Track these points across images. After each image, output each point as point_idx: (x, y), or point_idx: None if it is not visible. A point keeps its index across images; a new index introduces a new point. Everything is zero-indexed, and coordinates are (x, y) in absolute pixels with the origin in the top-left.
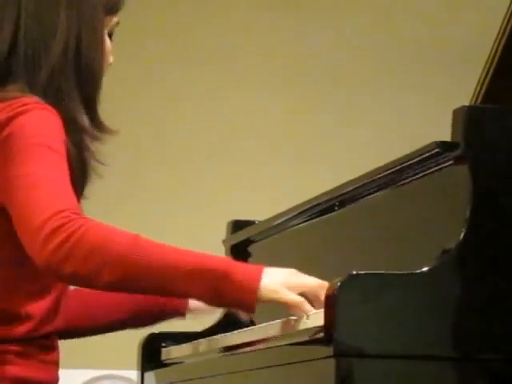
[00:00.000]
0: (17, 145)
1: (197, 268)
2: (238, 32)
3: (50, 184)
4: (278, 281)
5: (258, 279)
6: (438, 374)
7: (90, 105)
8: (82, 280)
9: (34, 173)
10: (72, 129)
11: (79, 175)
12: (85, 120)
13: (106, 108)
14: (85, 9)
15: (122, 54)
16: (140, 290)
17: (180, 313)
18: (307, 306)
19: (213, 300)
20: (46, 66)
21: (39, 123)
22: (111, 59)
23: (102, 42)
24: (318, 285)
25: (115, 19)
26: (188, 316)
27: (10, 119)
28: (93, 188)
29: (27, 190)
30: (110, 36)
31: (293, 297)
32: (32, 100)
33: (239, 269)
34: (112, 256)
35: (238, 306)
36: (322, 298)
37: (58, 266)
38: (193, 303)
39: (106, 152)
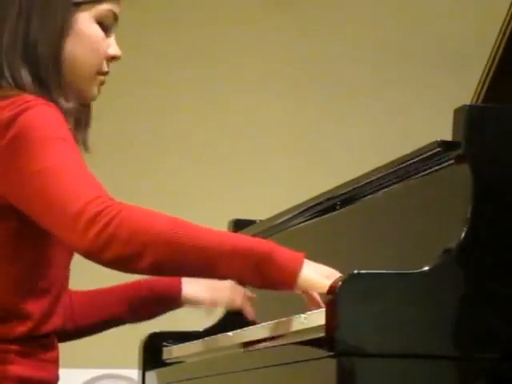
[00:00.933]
0: (28, 140)
1: (240, 248)
2: (240, 33)
3: (76, 172)
4: (318, 268)
5: (300, 261)
6: (439, 373)
7: (46, 91)
8: (126, 262)
9: (55, 164)
10: None
11: None
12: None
13: (108, 106)
14: None
15: (127, 51)
16: (182, 271)
17: (174, 297)
18: None
19: (255, 279)
20: (1, 55)
21: (45, 117)
22: (113, 51)
23: (57, 26)
24: None
25: (104, 7)
26: (186, 305)
27: (15, 116)
28: None
29: (53, 181)
30: (102, 25)
31: (328, 284)
32: (30, 97)
33: (282, 250)
34: (153, 237)
35: (279, 284)
36: None
37: (101, 250)
38: (189, 292)
39: (105, 150)
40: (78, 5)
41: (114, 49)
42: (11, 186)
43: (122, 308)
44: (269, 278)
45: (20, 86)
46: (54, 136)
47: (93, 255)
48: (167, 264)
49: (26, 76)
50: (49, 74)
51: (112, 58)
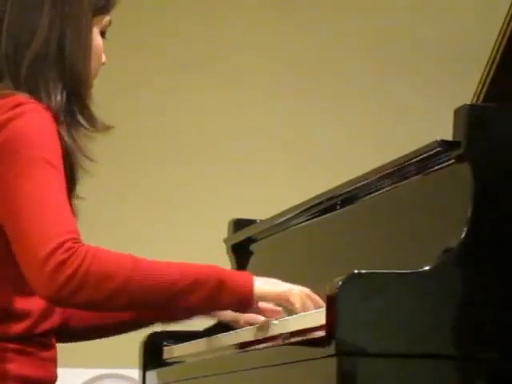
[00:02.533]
0: (16, 155)
1: (196, 278)
2: (239, 32)
3: (49, 208)
4: (267, 281)
5: (251, 280)
6: (439, 372)
7: (78, 103)
8: (95, 308)
9: (33, 193)
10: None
11: (66, 172)
12: (64, 116)
13: (104, 106)
14: (70, 9)
15: (120, 54)
16: (148, 307)
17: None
18: (295, 297)
19: (213, 307)
20: (25, 63)
21: (37, 130)
22: (104, 58)
23: (88, 42)
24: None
25: (107, 18)
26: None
27: (6, 122)
28: (94, 186)
29: (28, 214)
30: (102, 35)
31: (283, 289)
32: (25, 99)
33: (233, 274)
34: (119, 282)
35: (237, 305)
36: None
37: (68, 298)
38: None
39: (106, 150)
40: (93, 17)
41: (104, 56)
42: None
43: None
44: (228, 300)
45: (44, 98)
46: (40, 157)
47: (59, 302)
48: (133, 305)
49: (57, 88)
50: (80, 87)
51: (102, 65)
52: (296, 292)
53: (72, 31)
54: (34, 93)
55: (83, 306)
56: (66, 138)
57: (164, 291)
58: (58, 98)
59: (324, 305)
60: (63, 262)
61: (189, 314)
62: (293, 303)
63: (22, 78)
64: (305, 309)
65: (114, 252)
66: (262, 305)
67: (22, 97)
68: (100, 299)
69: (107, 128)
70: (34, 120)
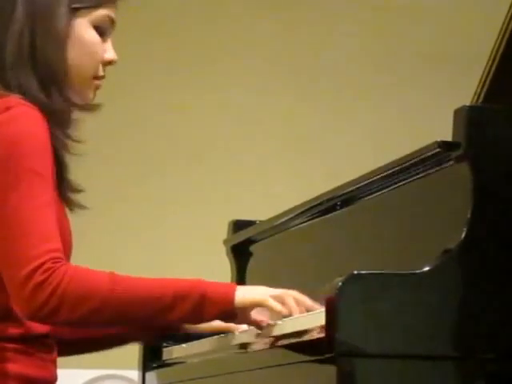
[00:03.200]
0: (5, 166)
1: (177, 294)
2: (240, 33)
3: (33, 225)
4: (250, 288)
5: (232, 290)
6: (439, 373)
7: (55, 89)
8: (75, 326)
9: (18, 208)
10: None
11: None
12: (48, 105)
13: (106, 108)
14: (41, 3)
15: (122, 55)
16: (130, 323)
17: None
18: (271, 302)
19: (196, 319)
20: (7, 60)
21: (27, 137)
22: (109, 55)
23: (61, 34)
24: (283, 292)
25: (101, 12)
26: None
27: None
28: (96, 185)
29: (12, 231)
30: (98, 30)
31: (262, 296)
32: (15, 101)
33: (214, 286)
34: (98, 301)
35: (221, 317)
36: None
37: (47, 318)
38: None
39: (106, 150)
40: (75, 10)
41: (110, 53)
42: None
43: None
44: (211, 312)
45: (25, 94)
46: (29, 167)
47: (39, 320)
48: (114, 322)
49: (33, 84)
50: (55, 81)
51: (108, 63)
52: (275, 296)
53: (42, 24)
54: (19, 87)
55: (63, 324)
56: (53, 126)
57: (145, 308)
58: (38, 93)
59: (315, 305)
60: (41, 283)
61: (174, 326)
62: (271, 308)
63: (8, 79)
64: (290, 311)
65: (94, 270)
66: (253, 314)
67: (13, 99)
68: (78, 318)
69: (92, 107)
70: (24, 126)
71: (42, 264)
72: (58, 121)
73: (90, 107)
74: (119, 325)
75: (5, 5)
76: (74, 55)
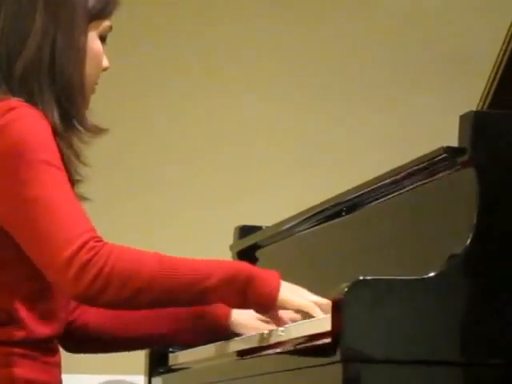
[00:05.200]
0: (18, 162)
1: (224, 277)
2: (248, 37)
3: (63, 210)
4: (290, 287)
5: (277, 286)
6: (445, 379)
7: (70, 107)
8: (122, 306)
9: (43, 197)
10: None
11: None
12: (58, 122)
13: (110, 112)
14: (62, 14)
15: (123, 58)
16: (174, 305)
17: (222, 325)
18: (316, 309)
19: (238, 303)
20: (18, 69)
21: (33, 133)
22: (105, 63)
23: (81, 47)
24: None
25: (106, 23)
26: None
27: (1, 128)
28: (100, 188)
29: (42, 220)
30: (102, 40)
31: (304, 302)
32: (18, 103)
33: (261, 275)
34: (145, 281)
35: (258, 308)
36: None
37: (95, 299)
38: (236, 319)
39: (116, 155)
40: (89, 23)
41: (106, 61)
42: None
43: (167, 331)
44: (252, 301)
45: (39, 103)
46: (40, 160)
47: (86, 301)
48: (159, 302)
49: (49, 96)
50: (74, 96)
51: (103, 70)
52: (318, 304)
53: (64, 36)
54: (30, 100)
55: (110, 304)
56: (63, 145)
57: (190, 288)
58: (53, 105)
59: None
60: (87, 262)
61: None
62: (314, 315)
63: (17, 85)
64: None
65: (139, 250)
66: (280, 312)
67: (15, 101)
68: (126, 297)
69: (102, 131)
70: (29, 124)
71: (85, 243)
72: (64, 131)
73: (98, 131)
74: (163, 306)
75: (24, 16)
76: (87, 67)
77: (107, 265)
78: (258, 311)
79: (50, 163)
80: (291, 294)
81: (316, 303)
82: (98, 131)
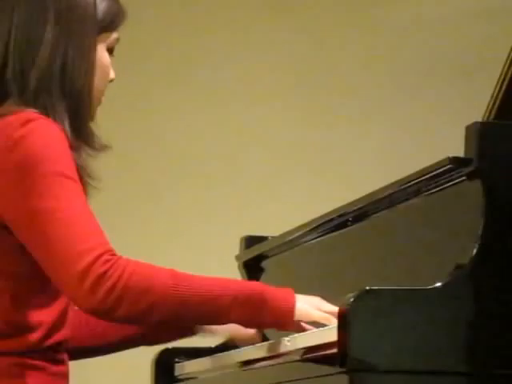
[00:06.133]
0: (34, 174)
1: (238, 298)
2: (247, 42)
3: (78, 223)
4: (307, 300)
5: (292, 300)
6: None
7: (79, 122)
8: (134, 321)
9: (58, 209)
10: None
11: None
12: (69, 136)
13: (115, 122)
14: (73, 26)
15: (125, 66)
16: (188, 322)
17: (191, 331)
18: (333, 320)
19: (252, 323)
20: (31, 82)
21: (50, 145)
22: (112, 75)
23: (91, 59)
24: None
25: (114, 35)
26: (199, 335)
27: (19, 139)
28: (107, 202)
29: (57, 232)
30: (109, 52)
31: (321, 315)
32: (35, 115)
33: (275, 293)
34: (159, 297)
35: (276, 326)
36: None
37: (108, 312)
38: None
39: (118, 167)
40: (98, 35)
41: (113, 72)
42: (10, 211)
43: (138, 331)
44: (269, 320)
45: (52, 115)
46: (56, 172)
47: (99, 315)
48: (172, 318)
49: (61, 108)
50: (84, 108)
51: (110, 81)
52: (334, 318)
53: (74, 48)
54: (43, 111)
55: (123, 318)
56: (75, 158)
57: (203, 307)
58: (65, 117)
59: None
60: (103, 275)
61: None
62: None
63: (32, 97)
64: None
65: (154, 265)
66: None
67: (31, 112)
68: (139, 312)
69: (104, 148)
70: (46, 136)
71: (100, 256)
72: (78, 154)
73: (101, 147)
74: (175, 322)
75: (35, 27)
76: (96, 80)
77: (122, 278)
78: (276, 328)
79: (67, 176)
80: (307, 307)
81: (331, 313)
82: (101, 148)
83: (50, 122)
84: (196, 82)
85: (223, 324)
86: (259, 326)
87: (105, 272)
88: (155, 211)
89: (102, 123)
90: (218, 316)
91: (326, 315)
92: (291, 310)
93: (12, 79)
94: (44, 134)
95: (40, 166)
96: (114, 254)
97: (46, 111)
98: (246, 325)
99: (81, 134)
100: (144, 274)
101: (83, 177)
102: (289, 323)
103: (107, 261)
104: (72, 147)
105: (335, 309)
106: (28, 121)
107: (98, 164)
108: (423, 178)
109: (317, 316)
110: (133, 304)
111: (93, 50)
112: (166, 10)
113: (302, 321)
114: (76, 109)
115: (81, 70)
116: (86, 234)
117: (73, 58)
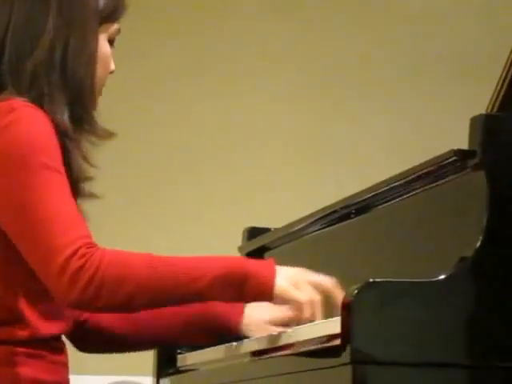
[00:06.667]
0: (18, 164)
1: (218, 275)
2: (249, 38)
3: (59, 214)
4: (289, 278)
5: (273, 273)
6: (454, 381)
7: (81, 110)
8: (116, 310)
9: (39, 201)
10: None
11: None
12: (68, 124)
13: (116, 114)
14: (75, 17)
15: (127, 61)
16: (172, 304)
17: (232, 327)
18: (308, 310)
19: (234, 299)
20: (29, 68)
21: (34, 135)
22: (112, 66)
23: (92, 49)
24: (330, 284)
25: (115, 26)
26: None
27: (3, 129)
28: (110, 194)
29: (37, 224)
30: (110, 43)
31: (299, 296)
32: (20, 103)
33: (256, 267)
34: (137, 283)
35: (258, 298)
36: (338, 296)
37: (89, 304)
38: (247, 322)
39: (119, 159)
40: (100, 26)
41: (113, 63)
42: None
43: (176, 331)
44: (248, 295)
45: (47, 104)
46: (40, 164)
47: (80, 308)
48: (154, 304)
49: (60, 98)
50: (85, 99)
51: (110, 73)
52: (310, 300)
53: (76, 38)
54: (38, 101)
55: (104, 309)
56: (71, 147)
57: (183, 289)
58: (64, 106)
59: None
60: (80, 269)
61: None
62: (301, 312)
63: (25, 86)
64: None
65: (131, 253)
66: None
67: (17, 101)
68: (119, 302)
69: (110, 135)
70: (30, 125)
71: (77, 250)
72: (75, 143)
73: (107, 134)
74: (159, 306)
75: (37, 16)
76: (98, 70)
77: (99, 270)
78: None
79: (50, 166)
80: (287, 283)
81: (314, 284)
82: (107, 135)
83: (35, 110)
84: (197, 73)
85: (205, 301)
86: (239, 301)
87: (82, 266)
88: (156, 203)
89: (100, 114)
90: (199, 296)
91: (305, 301)
92: (271, 288)
93: (7, 70)
94: (29, 122)
95: (23, 157)
96: (91, 247)
97: (41, 100)
98: (227, 300)
99: (84, 123)
100: (120, 263)
101: (83, 165)
102: (268, 299)
103: (84, 254)
104: (69, 135)
105: (317, 279)
106: (12, 109)
107: (101, 152)
108: (428, 170)
109: (297, 297)
110: (111, 294)
111: (94, 40)
112: (170, 5)
113: (283, 298)
114: (78, 99)
115: (82, 60)
116: (66, 228)
117: (74, 48)
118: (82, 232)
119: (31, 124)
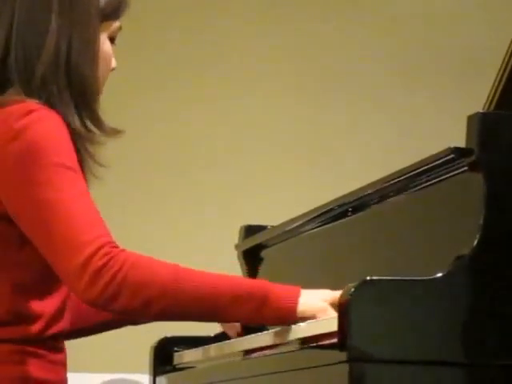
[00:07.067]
0: (36, 164)
1: (239, 295)
2: (248, 37)
3: (79, 213)
4: (314, 295)
5: (296, 297)
6: (451, 379)
7: (86, 109)
8: (132, 314)
9: (59, 200)
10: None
11: None
12: (77, 124)
13: (115, 111)
14: (77, 15)
15: (129, 58)
16: (187, 318)
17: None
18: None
19: (253, 322)
20: (38, 71)
21: (52, 136)
22: (114, 63)
23: (95, 48)
24: None
25: (117, 24)
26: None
27: (22, 129)
28: (108, 192)
29: (58, 223)
30: (111, 41)
31: (325, 312)
32: (36, 105)
33: (277, 291)
34: (158, 291)
35: (280, 322)
36: None
37: (106, 304)
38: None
39: (118, 157)
40: (101, 24)
41: (114, 61)
42: (12, 202)
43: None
44: (269, 319)
45: (57, 105)
46: (58, 163)
47: (98, 307)
48: (171, 314)
49: (67, 97)
50: (89, 97)
51: (111, 70)
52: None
53: (78, 37)
54: (49, 102)
55: (121, 311)
56: (80, 147)
57: (203, 304)
58: (71, 106)
59: None
60: (101, 268)
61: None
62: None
63: (35, 87)
64: None
65: (156, 260)
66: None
67: (33, 103)
68: (136, 306)
69: (117, 132)
70: (48, 126)
71: (100, 248)
72: (83, 143)
73: (114, 132)
74: (173, 319)
75: (39, 16)
76: (100, 68)
77: (121, 271)
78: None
79: (68, 166)
80: (311, 302)
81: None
82: (114, 133)
83: (51, 112)
84: (197, 72)
85: (221, 322)
86: (262, 324)
87: (104, 265)
88: (154, 201)
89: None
90: (219, 314)
91: (326, 311)
92: (293, 310)
93: (15, 68)
94: (45, 124)
95: (41, 157)
96: (114, 247)
97: (50, 101)
98: (248, 323)
99: (89, 122)
100: (144, 268)
101: (91, 165)
102: (291, 321)
103: (107, 253)
104: (78, 135)
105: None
106: (30, 111)
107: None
108: (425, 168)
109: (322, 313)
110: (130, 297)
111: (97, 38)
112: (170, 5)
113: (306, 318)
114: (83, 97)
115: (86, 58)
116: (87, 226)
117: (77, 47)
118: (104, 231)
119: (49, 125)
